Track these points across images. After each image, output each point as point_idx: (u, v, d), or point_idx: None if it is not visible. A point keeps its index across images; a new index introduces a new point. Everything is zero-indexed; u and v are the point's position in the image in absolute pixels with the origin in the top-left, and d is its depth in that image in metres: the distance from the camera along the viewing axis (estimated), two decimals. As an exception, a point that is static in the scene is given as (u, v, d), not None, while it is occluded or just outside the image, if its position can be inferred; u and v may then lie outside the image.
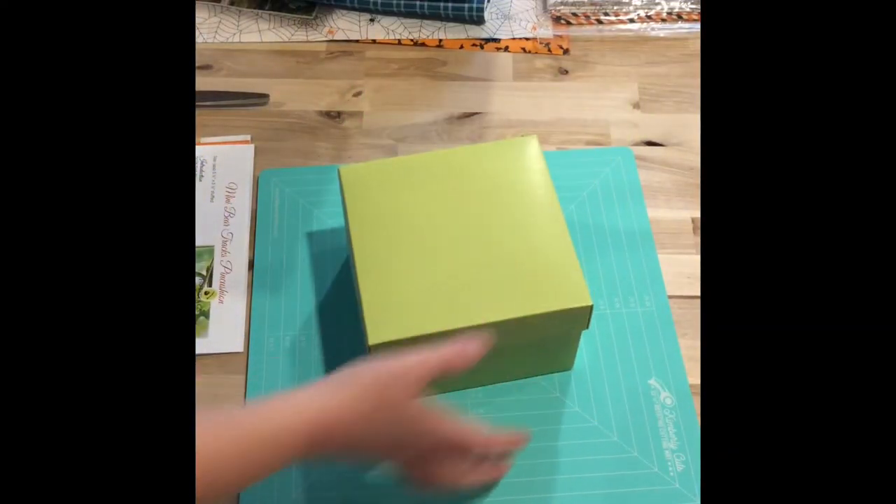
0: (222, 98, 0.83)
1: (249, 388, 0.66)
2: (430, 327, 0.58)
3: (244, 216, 0.75)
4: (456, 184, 0.64)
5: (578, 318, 0.60)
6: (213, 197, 0.76)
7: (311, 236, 0.74)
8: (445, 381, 0.63)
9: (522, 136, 0.67)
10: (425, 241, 0.61)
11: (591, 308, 0.59)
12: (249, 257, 0.73)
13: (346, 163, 0.79)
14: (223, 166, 0.78)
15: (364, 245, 0.61)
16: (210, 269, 0.72)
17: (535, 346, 0.63)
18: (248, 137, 0.80)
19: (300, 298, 0.71)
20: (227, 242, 0.73)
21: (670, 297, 0.71)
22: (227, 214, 0.75)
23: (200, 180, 0.77)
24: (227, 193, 0.76)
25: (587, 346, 0.68)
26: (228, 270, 0.72)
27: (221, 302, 0.70)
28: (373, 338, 0.57)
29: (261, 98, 0.83)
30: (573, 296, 0.59)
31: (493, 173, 0.65)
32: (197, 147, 0.79)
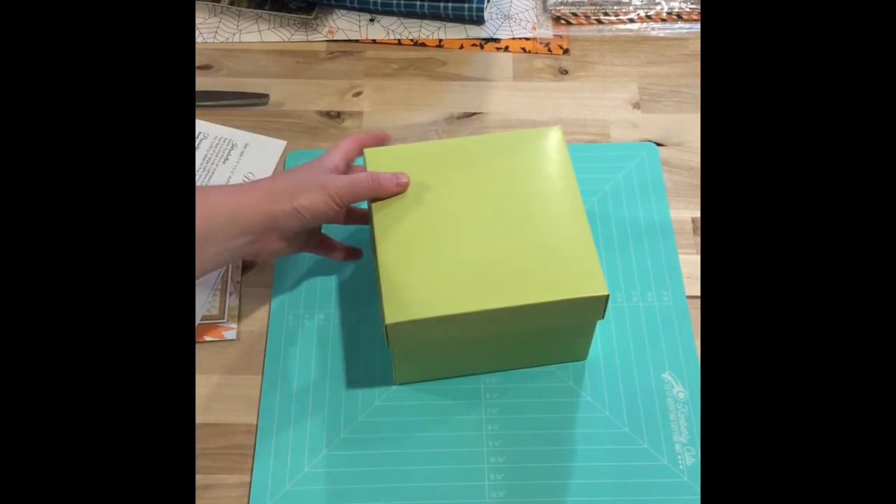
0: (222, 98, 0.83)
1: (267, 363, 0.68)
2: (446, 309, 0.58)
3: None
4: (479, 170, 0.65)
5: (594, 308, 0.61)
6: (229, 181, 0.77)
7: None
8: (460, 365, 0.65)
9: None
10: (445, 225, 0.62)
11: (606, 297, 0.59)
12: None
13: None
14: (250, 154, 0.79)
15: (385, 225, 0.62)
16: None
17: (550, 335, 0.64)
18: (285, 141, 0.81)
19: (321, 278, 0.72)
20: None
21: (670, 296, 0.71)
22: None
23: (224, 162, 0.78)
24: (243, 182, 0.76)
25: (602, 337, 0.68)
26: None
27: None
28: (389, 317, 0.58)
29: (261, 98, 0.83)
30: (589, 284, 0.59)
31: (515, 161, 0.65)
32: (234, 129, 0.80)
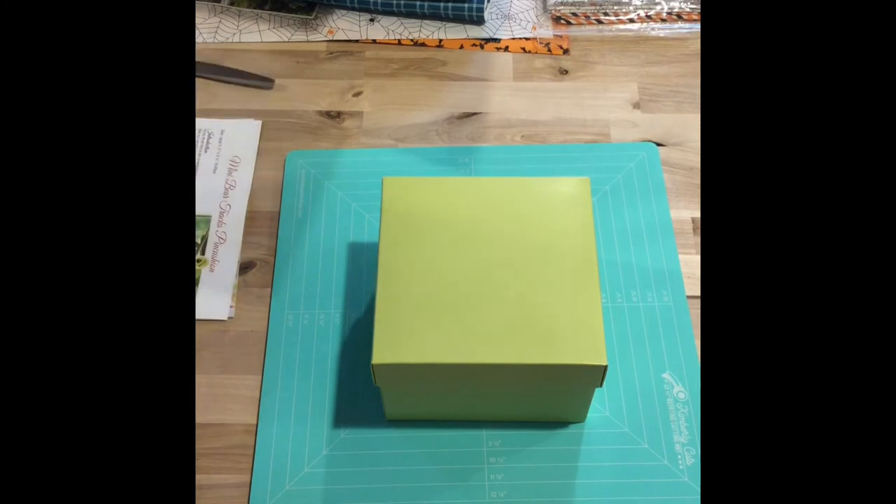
0: (229, 75, 0.84)
1: (267, 363, 0.68)
2: (436, 357, 0.57)
3: (244, 190, 0.77)
4: (496, 215, 0.63)
5: (591, 376, 0.58)
6: (216, 169, 0.78)
7: (335, 218, 0.75)
8: (451, 412, 0.64)
9: (575, 178, 0.65)
10: (452, 270, 0.60)
11: (605, 368, 0.57)
12: (246, 229, 0.75)
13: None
14: (229, 140, 0.80)
15: (390, 260, 0.61)
16: (205, 238, 0.74)
17: (545, 395, 0.62)
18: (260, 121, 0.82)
19: (321, 278, 0.72)
20: (225, 214, 0.75)
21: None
22: (227, 187, 0.77)
23: (206, 151, 0.79)
24: (230, 167, 0.78)
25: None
26: (222, 241, 0.74)
27: (212, 271, 0.72)
28: (377, 357, 0.57)
29: (266, 82, 0.83)
30: (588, 353, 0.57)
31: (536, 211, 0.63)
32: (206, 119, 0.81)
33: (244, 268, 0.73)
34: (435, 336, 0.58)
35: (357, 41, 0.88)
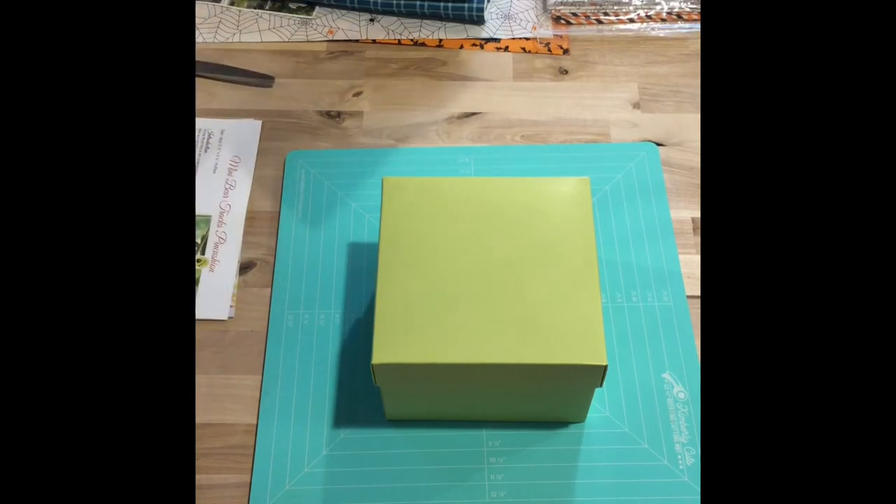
0: (229, 73, 0.84)
1: (267, 363, 0.68)
2: (436, 357, 0.57)
3: (244, 190, 0.77)
4: (496, 215, 0.63)
5: (591, 376, 0.59)
6: (216, 169, 0.78)
7: (335, 218, 0.75)
8: (451, 413, 0.64)
9: (575, 178, 0.65)
10: (452, 270, 0.60)
11: (605, 368, 0.57)
12: (246, 229, 0.75)
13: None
14: (229, 140, 0.80)
15: (390, 260, 0.61)
16: (205, 238, 0.74)
17: (546, 395, 0.62)
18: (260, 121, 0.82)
19: (321, 278, 0.72)
20: (225, 214, 0.75)
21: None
22: (227, 187, 0.77)
23: (206, 151, 0.79)
24: (230, 166, 0.78)
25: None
26: (222, 241, 0.74)
27: (212, 270, 0.72)
28: (377, 357, 0.57)
29: (266, 79, 0.83)
30: (588, 353, 0.57)
31: (536, 211, 0.63)
32: (206, 119, 0.82)
33: (244, 268, 0.73)
34: (435, 336, 0.58)
35: (357, 41, 0.88)
